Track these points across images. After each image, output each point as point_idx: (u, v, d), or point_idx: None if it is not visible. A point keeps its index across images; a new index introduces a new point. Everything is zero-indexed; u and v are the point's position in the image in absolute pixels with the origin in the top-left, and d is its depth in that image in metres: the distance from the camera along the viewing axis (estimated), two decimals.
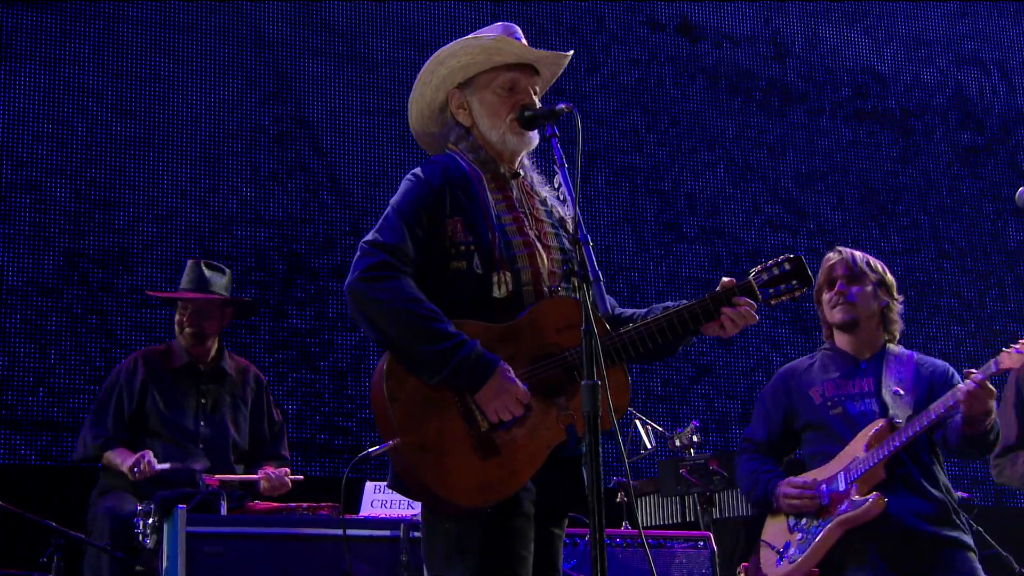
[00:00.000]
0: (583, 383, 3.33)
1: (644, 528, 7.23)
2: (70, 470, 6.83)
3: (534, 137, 3.95)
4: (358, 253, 3.69)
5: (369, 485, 6.09)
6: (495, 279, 3.74)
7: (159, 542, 5.52)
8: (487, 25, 4.12)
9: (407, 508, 5.86)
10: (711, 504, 6.90)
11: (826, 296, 5.47)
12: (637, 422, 6.84)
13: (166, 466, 6.22)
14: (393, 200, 3.82)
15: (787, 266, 3.98)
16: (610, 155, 9.81)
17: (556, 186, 3.79)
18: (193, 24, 8.84)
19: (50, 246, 8.14)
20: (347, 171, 8.96)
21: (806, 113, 10.53)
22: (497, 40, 3.95)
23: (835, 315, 5.43)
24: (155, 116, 8.58)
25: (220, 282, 6.73)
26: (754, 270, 3.97)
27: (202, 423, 6.54)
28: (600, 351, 3.38)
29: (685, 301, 3.88)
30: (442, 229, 3.77)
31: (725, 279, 3.92)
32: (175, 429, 6.48)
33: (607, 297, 3.53)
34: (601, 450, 3.34)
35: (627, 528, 6.48)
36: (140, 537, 5.55)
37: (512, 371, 3.62)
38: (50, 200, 8.21)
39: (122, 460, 6.29)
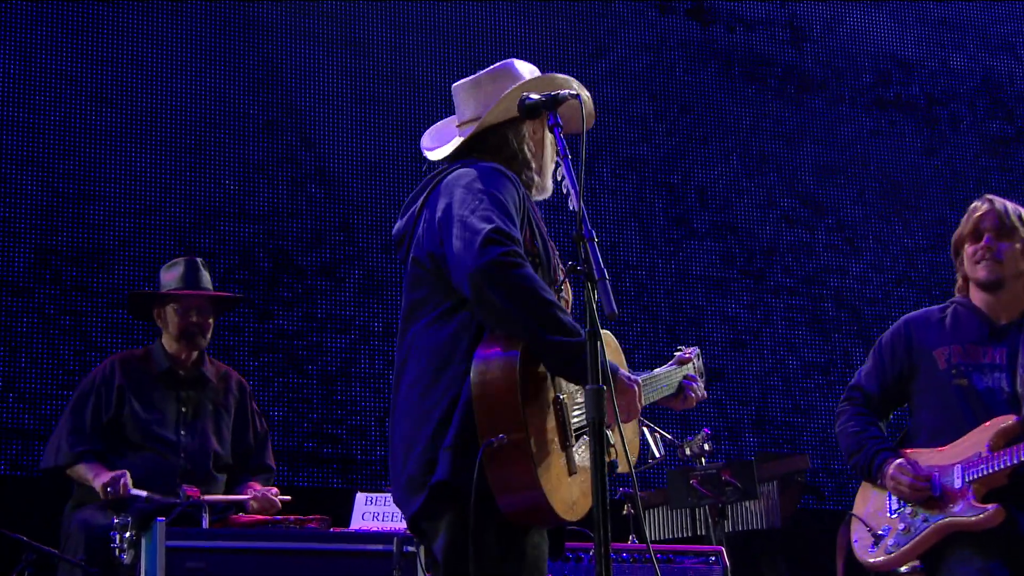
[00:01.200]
0: (586, 388, 3.34)
1: (652, 542, 7.23)
2: (42, 481, 6.82)
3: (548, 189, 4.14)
4: (481, 238, 3.58)
5: (360, 496, 6.09)
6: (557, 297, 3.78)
7: (137, 557, 5.52)
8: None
9: (399, 521, 5.87)
10: (723, 517, 6.90)
11: (969, 248, 5.26)
12: (644, 429, 6.83)
13: (142, 494, 6.08)
14: (494, 187, 3.76)
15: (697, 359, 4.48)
16: (616, 146, 9.81)
17: (559, 178, 3.80)
18: (175, 5, 8.84)
19: (20, 242, 8.14)
20: (338, 163, 8.96)
21: (825, 101, 10.53)
22: (588, 100, 4.00)
23: (978, 272, 5.22)
24: (133, 103, 8.58)
25: (209, 280, 6.74)
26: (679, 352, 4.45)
27: (183, 432, 6.49)
28: (605, 354, 3.40)
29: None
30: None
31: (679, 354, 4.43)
32: (155, 439, 6.43)
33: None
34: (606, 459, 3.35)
35: (634, 542, 6.48)
36: (117, 552, 5.54)
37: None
38: (20, 193, 8.22)
39: (95, 475, 6.21)
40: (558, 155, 3.72)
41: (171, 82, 8.71)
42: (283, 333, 8.56)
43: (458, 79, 4.16)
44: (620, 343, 4.12)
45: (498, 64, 4.10)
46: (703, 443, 6.85)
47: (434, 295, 3.78)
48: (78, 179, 8.34)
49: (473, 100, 4.07)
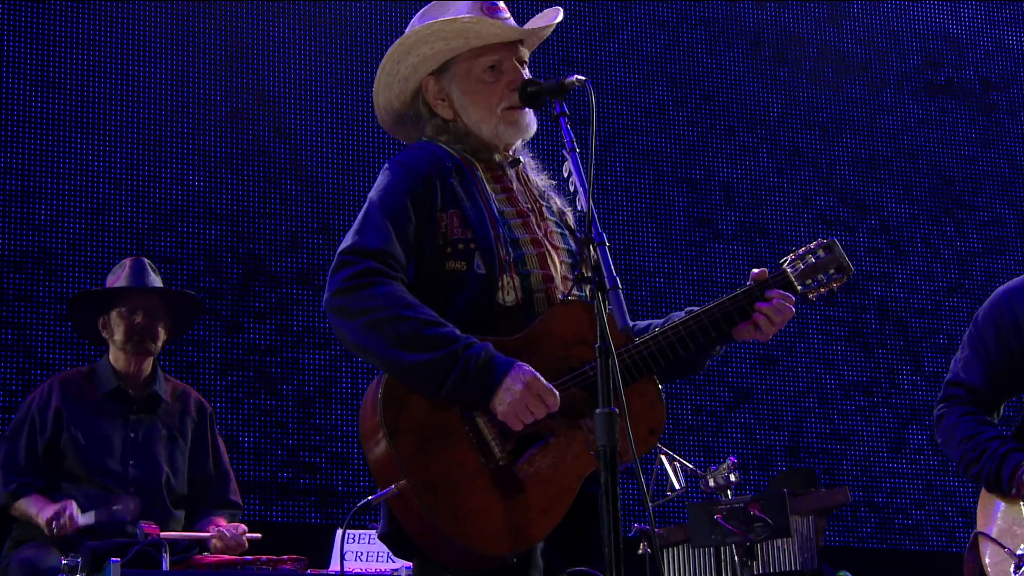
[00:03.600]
0: (597, 411, 3.34)
1: None
2: None
3: (532, 123, 4.02)
4: (335, 263, 3.72)
5: (341, 534, 6.10)
6: (501, 283, 3.79)
7: None
8: None
9: (387, 561, 5.89)
10: (751, 557, 6.91)
11: None
12: (663, 458, 6.86)
13: (91, 519, 6.08)
14: (372, 195, 3.85)
15: (822, 253, 4.06)
16: (630, 137, 9.83)
17: (566, 175, 3.82)
18: None
19: None
20: (315, 156, 8.98)
21: (866, 86, 10.55)
22: (473, 21, 3.97)
23: None
24: (82, 89, 8.59)
25: (158, 281, 6.72)
26: (786, 259, 4.06)
27: (131, 462, 6.45)
28: (618, 372, 3.39)
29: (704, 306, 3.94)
30: (434, 225, 3.81)
31: (755, 271, 4.00)
32: (98, 470, 6.39)
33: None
34: (620, 491, 3.35)
35: None
36: None
37: (532, 369, 3.62)
38: None
39: (38, 510, 6.18)
40: (564, 148, 3.73)
41: (125, 64, 8.72)
42: (254, 348, 8.57)
43: None
44: None
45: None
46: (729, 473, 6.86)
47: None
48: (20, 174, 8.35)
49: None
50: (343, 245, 3.75)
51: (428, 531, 3.56)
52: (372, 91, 4.12)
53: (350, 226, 3.81)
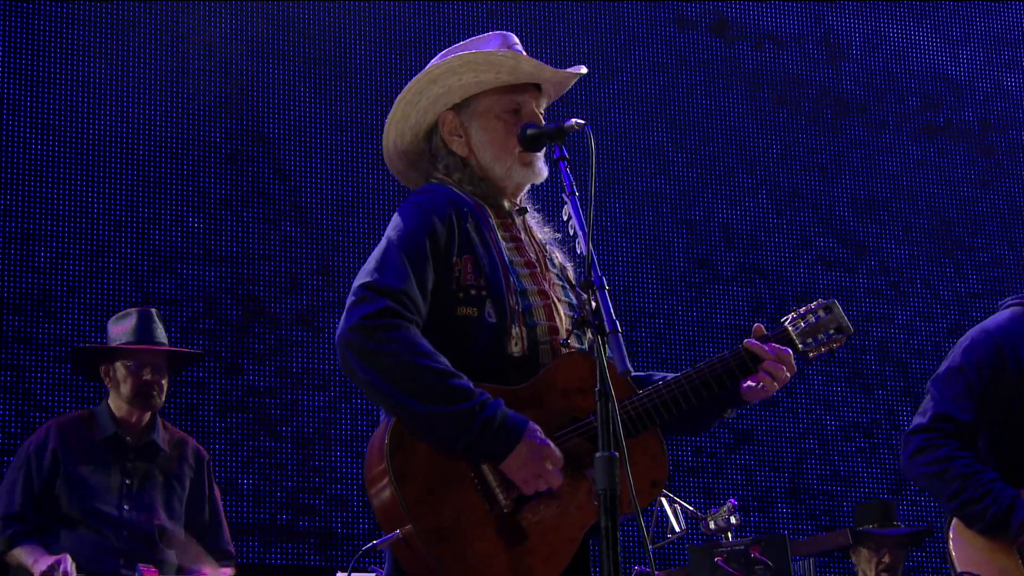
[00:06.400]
0: (597, 455, 3.35)
1: None
2: None
3: (545, 169, 4.03)
4: (352, 298, 3.72)
5: None
6: (512, 332, 3.81)
7: None
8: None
9: None
10: None
11: None
12: (663, 500, 6.85)
13: None
14: (390, 233, 3.85)
15: (822, 313, 4.08)
16: (630, 179, 9.85)
17: (565, 218, 3.83)
18: (129, 20, 8.88)
19: None
20: (314, 198, 8.99)
21: (865, 127, 10.58)
22: (507, 56, 4.00)
23: None
24: (83, 131, 8.61)
25: (164, 334, 6.72)
26: (787, 317, 4.07)
27: (126, 507, 6.42)
28: (618, 416, 3.40)
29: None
30: (448, 269, 3.82)
31: (756, 326, 4.01)
32: (92, 514, 6.36)
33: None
34: (620, 533, 3.36)
35: None
36: None
37: (542, 432, 3.64)
38: None
39: (33, 560, 6.15)
40: (564, 192, 3.75)
41: (125, 106, 8.73)
42: (253, 390, 8.57)
43: None
44: None
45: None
46: (729, 515, 6.86)
47: None
48: (20, 217, 8.36)
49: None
50: (362, 280, 3.74)
51: None
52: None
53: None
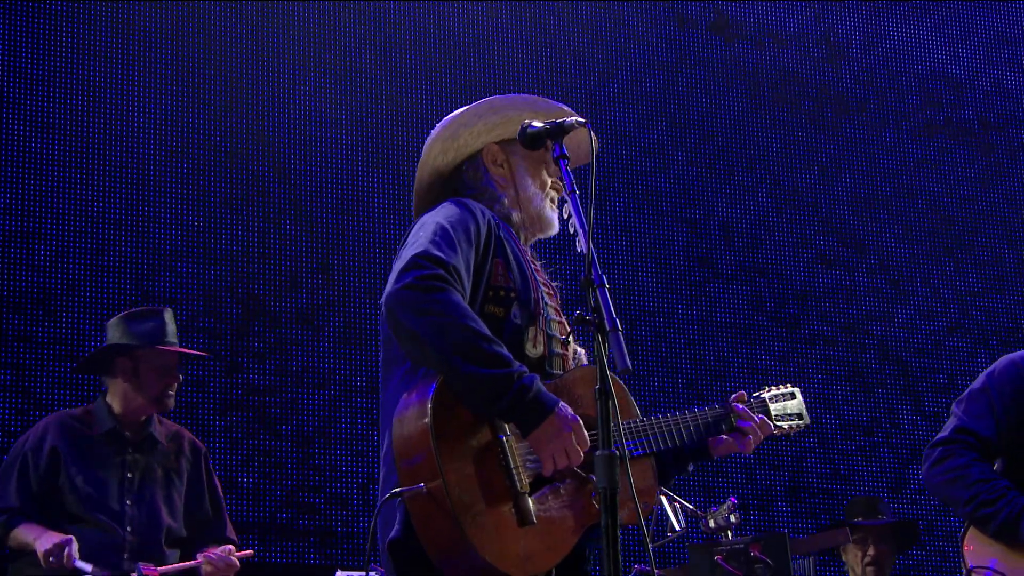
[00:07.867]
0: (597, 453, 3.36)
1: None
2: None
3: (557, 224, 4.28)
4: (404, 264, 3.80)
5: (341, 575, 6.10)
6: (531, 334, 3.95)
7: None
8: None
9: None
10: None
11: None
12: (663, 498, 6.85)
13: (88, 568, 6.04)
14: (438, 218, 3.97)
15: (790, 398, 4.54)
16: (630, 177, 9.85)
17: (566, 216, 3.88)
18: (129, 20, 8.88)
19: None
20: (314, 197, 8.99)
21: (865, 126, 10.58)
22: (563, 111, 4.16)
23: None
24: (82, 130, 8.62)
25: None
26: (765, 392, 4.51)
27: (128, 502, 6.43)
28: (619, 417, 3.45)
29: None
30: (482, 266, 3.94)
31: (739, 393, 4.40)
32: (98, 509, 6.36)
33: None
34: (620, 532, 3.37)
35: None
36: None
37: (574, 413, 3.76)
38: None
39: (35, 537, 6.13)
40: (564, 191, 3.78)
41: (124, 105, 8.74)
42: (254, 389, 8.57)
43: (450, 102, 4.28)
44: (635, 401, 4.15)
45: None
46: (729, 514, 6.86)
47: (398, 353, 3.93)
48: (20, 216, 8.36)
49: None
50: (417, 250, 3.82)
51: (449, 540, 3.61)
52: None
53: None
